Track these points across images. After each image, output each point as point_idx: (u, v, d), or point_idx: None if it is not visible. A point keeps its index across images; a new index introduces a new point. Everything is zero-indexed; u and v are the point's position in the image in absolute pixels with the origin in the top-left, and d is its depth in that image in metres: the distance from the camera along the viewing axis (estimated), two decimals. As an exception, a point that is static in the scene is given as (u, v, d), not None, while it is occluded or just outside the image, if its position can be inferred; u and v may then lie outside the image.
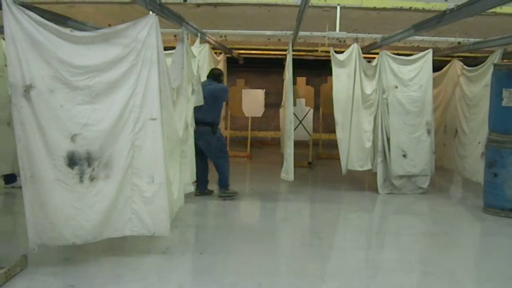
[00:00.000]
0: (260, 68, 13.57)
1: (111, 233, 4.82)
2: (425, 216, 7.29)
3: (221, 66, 10.00)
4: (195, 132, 6.94)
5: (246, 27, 9.23)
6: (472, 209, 7.33)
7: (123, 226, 4.84)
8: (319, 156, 11.07)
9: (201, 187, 7.52)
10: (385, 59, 7.96)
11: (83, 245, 4.67)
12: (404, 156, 7.91)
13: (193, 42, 8.51)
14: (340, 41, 11.35)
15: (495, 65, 7.11)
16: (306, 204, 7.64)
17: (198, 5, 10.53)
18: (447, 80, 9.34)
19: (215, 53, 9.70)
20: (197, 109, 6.94)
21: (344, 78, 7.95)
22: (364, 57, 8.19)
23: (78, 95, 4.50)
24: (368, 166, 8.09)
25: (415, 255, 5.46)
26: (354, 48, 7.95)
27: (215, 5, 10.53)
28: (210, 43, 8.60)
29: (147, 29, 4.77)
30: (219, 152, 7.39)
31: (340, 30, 8.96)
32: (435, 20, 5.65)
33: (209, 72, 7.72)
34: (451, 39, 9.01)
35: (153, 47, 4.79)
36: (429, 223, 6.97)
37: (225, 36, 9.72)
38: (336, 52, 8.34)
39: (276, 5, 9.25)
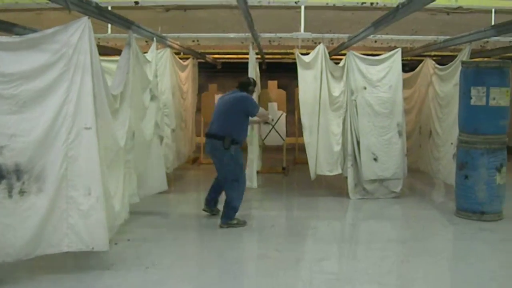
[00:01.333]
0: (236, 72, 13.28)
1: (46, 250, 4.52)
2: (395, 222, 6.99)
3: (190, 71, 9.75)
4: (206, 145, 6.48)
5: (218, 31, 8.99)
6: (444, 212, 7.05)
7: (59, 242, 4.56)
8: (295, 161, 10.79)
9: (209, 202, 6.77)
10: (352, 59, 7.70)
11: (19, 263, 4.38)
12: (375, 159, 7.64)
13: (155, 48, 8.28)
14: (315, 43, 11.15)
15: (463, 62, 6.85)
16: (272, 212, 7.29)
17: (167, 9, 10.35)
18: (421, 80, 9.08)
19: (182, 58, 9.42)
20: (212, 120, 6.43)
21: (311, 80, 7.70)
22: (333, 59, 7.94)
23: (4, 105, 4.25)
24: (338, 171, 7.81)
25: (377, 265, 5.14)
26: (320, 49, 7.71)
27: (185, 9, 10.35)
28: (173, 48, 8.33)
29: (79, 33, 4.53)
30: (230, 174, 6.23)
31: (313, 32, 8.77)
32: (391, 16, 5.42)
33: (239, 82, 6.75)
34: (429, 37, 8.79)
35: (85, 52, 4.54)
36: (399, 229, 6.69)
37: (198, 41, 9.47)
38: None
39: (251, 6, 9.04)
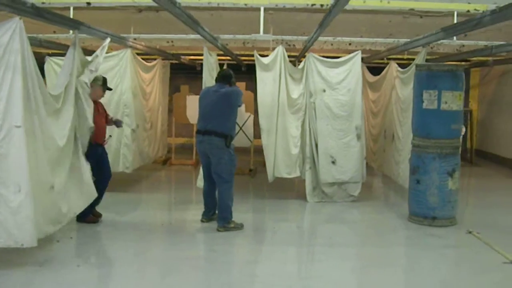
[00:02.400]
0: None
1: (-26, 246, 4.54)
2: (347, 226, 6.90)
3: (156, 72, 9.72)
4: (200, 143, 6.17)
5: (191, 32, 8.94)
6: (399, 217, 7.00)
7: (-12, 238, 4.57)
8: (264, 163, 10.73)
9: (208, 212, 6.46)
10: (312, 61, 7.68)
11: None
12: (333, 162, 7.61)
13: (116, 49, 8.27)
14: (289, 45, 11.11)
15: (416, 65, 6.82)
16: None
17: (140, 10, 10.36)
18: (386, 84, 9.05)
19: (147, 59, 9.34)
20: (204, 117, 6.15)
21: (269, 82, 7.64)
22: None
23: None
24: (296, 173, 7.77)
25: (308, 269, 5.12)
26: (279, 51, 7.66)
27: (157, 10, 10.35)
28: (136, 49, 8.30)
29: (10, 33, 4.55)
30: (227, 174, 6.06)
31: (287, 34, 8.75)
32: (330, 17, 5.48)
33: (217, 75, 6.57)
34: (389, 40, 8.78)
35: (16, 52, 4.56)
36: (350, 234, 6.61)
37: (172, 41, 9.46)
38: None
39: (217, 8, 9.04)
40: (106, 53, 6.47)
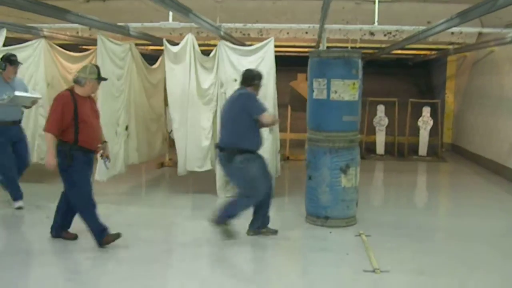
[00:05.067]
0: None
1: None
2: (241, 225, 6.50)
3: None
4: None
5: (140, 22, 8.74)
6: (298, 216, 6.43)
7: None
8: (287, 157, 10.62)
9: (255, 222, 5.71)
10: (223, 49, 7.27)
11: None
12: (244, 156, 7.19)
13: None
14: (244, 34, 10.71)
15: (309, 53, 6.29)
16: (128, 208, 6.97)
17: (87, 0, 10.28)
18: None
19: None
20: (221, 127, 5.79)
21: (179, 72, 7.31)
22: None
23: None
24: (207, 167, 7.43)
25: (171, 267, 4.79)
26: (188, 39, 7.29)
27: (103, -1, 10.22)
28: (56, 38, 8.17)
29: None
30: (242, 189, 5.50)
31: (239, 22, 8.39)
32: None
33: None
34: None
35: None
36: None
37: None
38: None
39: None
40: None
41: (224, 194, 7.33)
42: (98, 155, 5.31)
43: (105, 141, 5.39)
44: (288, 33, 10.53)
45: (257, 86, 5.61)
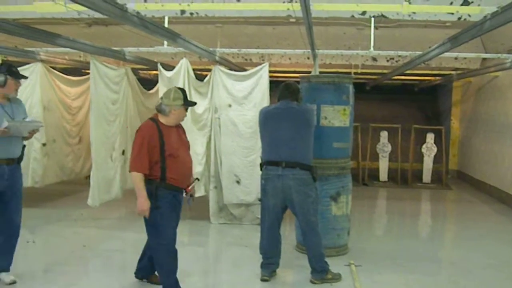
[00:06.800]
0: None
1: None
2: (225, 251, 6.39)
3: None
4: (277, 178, 4.96)
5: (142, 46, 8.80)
6: (287, 245, 6.22)
7: None
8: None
9: (270, 263, 5.23)
10: (218, 74, 7.24)
11: None
12: (238, 182, 7.11)
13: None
14: (246, 60, 10.72)
15: (300, 78, 6.18)
16: (117, 232, 6.91)
17: (90, 24, 10.37)
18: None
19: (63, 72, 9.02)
20: (276, 144, 5.02)
21: (173, 96, 7.27)
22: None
23: None
24: (200, 192, 7.29)
25: None
26: (183, 64, 7.26)
27: (106, 24, 10.31)
28: (54, 62, 8.23)
29: None
30: (315, 216, 5.02)
31: (240, 47, 8.41)
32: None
33: (281, 90, 5.21)
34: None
35: None
36: (215, 260, 6.14)
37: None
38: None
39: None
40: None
41: (217, 220, 7.25)
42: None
43: (197, 178, 4.92)
44: (290, 58, 10.53)
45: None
